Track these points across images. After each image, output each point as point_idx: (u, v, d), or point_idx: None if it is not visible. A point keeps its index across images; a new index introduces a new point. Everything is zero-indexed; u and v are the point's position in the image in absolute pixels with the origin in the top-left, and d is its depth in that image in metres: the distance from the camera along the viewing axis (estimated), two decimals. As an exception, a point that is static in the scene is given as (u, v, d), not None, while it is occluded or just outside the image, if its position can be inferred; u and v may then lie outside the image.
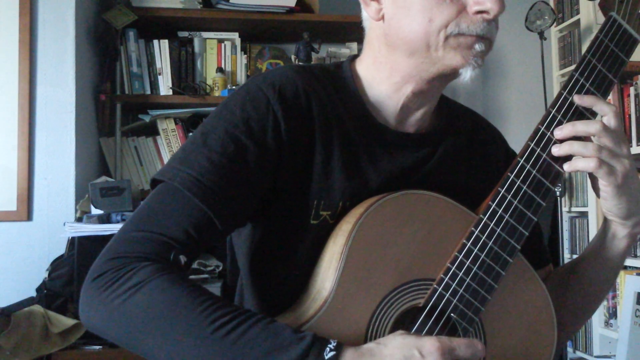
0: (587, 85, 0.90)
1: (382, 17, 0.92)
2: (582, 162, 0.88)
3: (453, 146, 1.00)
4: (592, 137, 0.90)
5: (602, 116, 0.90)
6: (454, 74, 0.89)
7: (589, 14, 2.77)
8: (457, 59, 0.87)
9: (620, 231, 0.94)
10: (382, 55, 0.94)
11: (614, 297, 2.63)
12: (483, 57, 0.88)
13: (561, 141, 0.89)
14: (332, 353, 0.72)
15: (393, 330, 0.82)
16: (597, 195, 0.92)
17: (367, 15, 0.94)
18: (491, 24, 0.87)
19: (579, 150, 0.87)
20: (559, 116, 0.90)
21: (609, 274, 0.99)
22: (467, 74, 0.88)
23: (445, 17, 0.85)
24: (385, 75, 0.94)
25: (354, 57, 1.01)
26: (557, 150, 0.88)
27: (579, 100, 0.90)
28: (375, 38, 0.95)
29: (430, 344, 0.74)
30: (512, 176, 0.88)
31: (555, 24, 2.96)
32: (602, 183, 0.89)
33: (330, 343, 0.73)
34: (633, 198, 0.90)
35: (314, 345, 0.72)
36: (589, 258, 1.00)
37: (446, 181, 0.97)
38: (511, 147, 1.10)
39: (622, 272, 2.56)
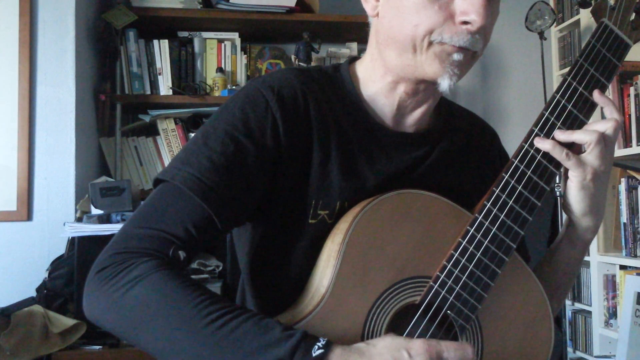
0: (580, 88, 0.92)
1: (377, 14, 0.93)
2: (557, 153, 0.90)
3: (450, 146, 1.01)
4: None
5: (605, 114, 0.92)
6: (434, 82, 0.90)
7: (589, 15, 2.77)
8: (435, 67, 0.88)
9: (580, 225, 0.96)
10: (376, 53, 0.96)
11: (614, 297, 2.64)
12: (461, 68, 0.89)
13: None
14: (320, 351, 0.73)
15: (390, 326, 0.83)
16: (563, 188, 0.95)
17: (367, 11, 0.96)
18: (475, 36, 0.87)
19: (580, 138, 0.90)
20: (552, 118, 0.91)
21: (579, 256, 1.02)
22: (444, 83, 0.89)
23: (430, 23, 0.86)
24: (380, 74, 0.96)
25: (352, 60, 1.03)
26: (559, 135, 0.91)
27: (597, 96, 0.92)
28: (373, 35, 0.97)
29: (419, 346, 0.75)
30: (506, 176, 0.90)
31: (555, 24, 2.96)
32: (571, 173, 0.91)
33: (320, 341, 0.74)
34: (593, 200, 0.92)
35: (302, 343, 0.73)
36: (563, 247, 1.02)
37: (442, 181, 0.98)
38: (504, 148, 1.12)
39: (622, 272, 2.56)
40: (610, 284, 2.65)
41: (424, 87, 0.94)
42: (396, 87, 0.95)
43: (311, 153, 0.92)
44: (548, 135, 0.91)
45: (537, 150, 0.90)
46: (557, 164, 0.91)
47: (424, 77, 0.90)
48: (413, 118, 0.98)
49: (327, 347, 0.74)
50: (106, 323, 0.80)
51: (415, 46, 0.88)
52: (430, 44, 0.87)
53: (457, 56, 0.87)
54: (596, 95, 0.92)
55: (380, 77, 0.96)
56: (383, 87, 0.96)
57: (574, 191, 0.92)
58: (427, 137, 0.99)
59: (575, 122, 0.92)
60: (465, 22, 0.86)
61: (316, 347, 0.73)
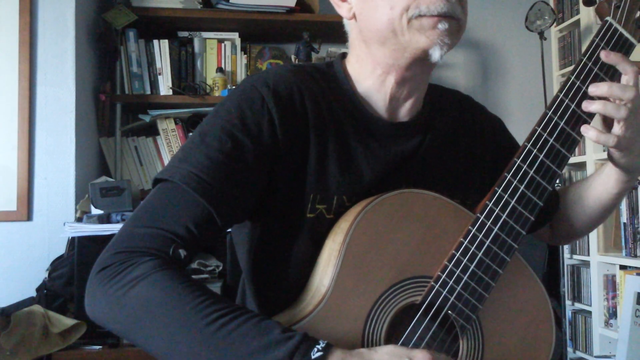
0: (584, 88, 0.92)
1: (354, 16, 0.96)
2: (610, 108, 0.90)
3: (442, 127, 1.02)
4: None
5: (623, 75, 0.93)
6: (425, 56, 0.91)
7: (589, 14, 2.77)
8: (422, 40, 0.89)
9: (623, 177, 1.00)
10: (362, 51, 0.97)
11: (614, 297, 2.63)
12: (450, 36, 0.89)
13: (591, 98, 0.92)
14: (319, 354, 0.73)
15: (391, 326, 0.83)
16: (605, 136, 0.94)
17: (342, 16, 0.98)
18: (450, 0, 0.88)
19: (611, 112, 0.90)
20: (556, 118, 0.91)
21: (617, 201, 1.07)
22: (435, 54, 0.90)
23: (404, 1, 0.88)
24: (369, 71, 0.97)
25: (343, 56, 1.04)
26: (587, 106, 0.91)
27: (605, 56, 0.92)
28: (355, 36, 0.99)
29: (422, 355, 0.75)
30: (509, 176, 0.90)
31: (555, 24, 2.96)
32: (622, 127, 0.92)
33: (319, 343, 0.74)
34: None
35: (301, 345, 0.73)
36: (598, 193, 1.06)
37: (439, 164, 0.99)
38: (494, 114, 1.16)
39: (622, 272, 2.56)
40: (610, 284, 2.65)
41: (412, 74, 0.95)
42: (386, 79, 0.96)
43: (308, 148, 0.92)
44: (552, 133, 0.91)
45: (540, 150, 0.90)
46: (560, 164, 0.91)
47: (414, 54, 0.91)
48: (406, 108, 0.99)
49: (327, 349, 0.74)
50: (107, 322, 0.80)
51: (395, 28, 0.89)
52: (409, 21, 0.88)
53: (441, 25, 0.88)
54: (603, 55, 0.92)
55: (370, 73, 0.97)
56: (374, 82, 0.97)
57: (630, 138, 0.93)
58: (419, 125, 1.00)
59: (580, 122, 0.92)
60: None
61: (315, 349, 0.73)
